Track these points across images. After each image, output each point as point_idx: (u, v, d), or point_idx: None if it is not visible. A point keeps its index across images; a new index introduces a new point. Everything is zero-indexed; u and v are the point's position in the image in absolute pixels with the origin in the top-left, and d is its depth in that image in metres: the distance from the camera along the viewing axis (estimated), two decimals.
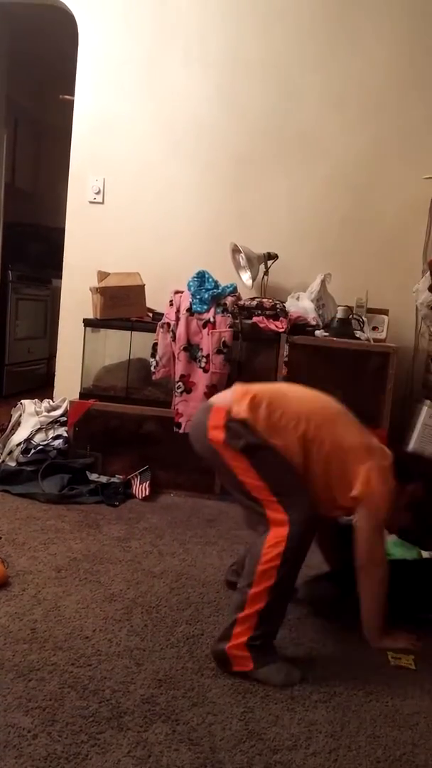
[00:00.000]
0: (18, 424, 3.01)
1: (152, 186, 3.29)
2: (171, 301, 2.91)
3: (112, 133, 3.29)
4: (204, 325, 2.82)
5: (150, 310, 3.08)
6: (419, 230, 3.17)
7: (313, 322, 2.88)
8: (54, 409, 3.06)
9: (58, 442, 2.90)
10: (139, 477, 2.84)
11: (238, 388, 1.72)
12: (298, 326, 2.85)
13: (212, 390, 2.77)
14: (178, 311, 2.86)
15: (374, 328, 2.99)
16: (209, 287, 2.87)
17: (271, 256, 3.09)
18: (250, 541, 1.69)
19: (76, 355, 3.08)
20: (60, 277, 3.41)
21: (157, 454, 2.96)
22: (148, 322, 3.00)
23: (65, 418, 2.99)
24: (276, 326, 2.80)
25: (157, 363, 2.89)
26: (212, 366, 2.78)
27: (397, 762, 1.27)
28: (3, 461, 2.89)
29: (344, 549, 1.69)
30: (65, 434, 2.94)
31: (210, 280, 2.90)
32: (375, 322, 3.01)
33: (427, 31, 3.09)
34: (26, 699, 1.35)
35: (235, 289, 2.96)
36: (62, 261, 3.38)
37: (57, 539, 2.23)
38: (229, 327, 2.80)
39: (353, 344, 2.82)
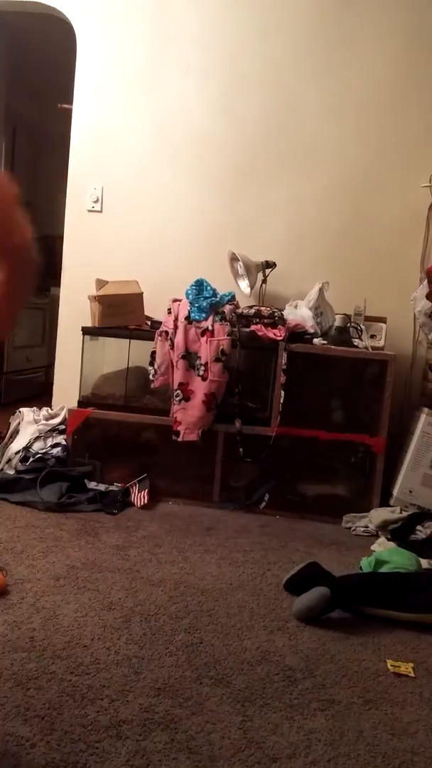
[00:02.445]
0: (16, 432, 3.01)
1: (151, 195, 3.30)
2: (169, 309, 2.92)
3: (111, 142, 3.31)
4: (202, 334, 2.82)
5: (148, 318, 3.09)
6: (417, 238, 3.19)
7: (311, 330, 2.88)
8: (52, 417, 3.06)
9: (56, 450, 2.90)
10: (137, 485, 2.83)
11: None
12: (297, 334, 2.86)
13: (210, 398, 2.78)
14: (176, 319, 2.87)
15: (372, 336, 3.00)
16: (207, 295, 2.88)
17: (269, 265, 3.10)
18: None
19: (75, 364, 3.08)
20: (58, 285, 3.42)
21: (155, 462, 2.96)
22: (146, 330, 3.01)
23: (64, 427, 2.99)
24: (274, 334, 2.81)
25: (155, 371, 2.90)
26: (211, 374, 2.78)
27: None
28: (1, 469, 2.89)
29: None
30: (64, 442, 2.94)
31: (208, 288, 2.91)
32: (373, 330, 3.02)
33: (424, 41, 3.12)
34: (24, 708, 1.35)
35: (233, 298, 2.97)
36: (61, 269, 3.38)
37: (55, 547, 2.23)
38: (228, 335, 2.81)
39: (351, 352, 2.83)
